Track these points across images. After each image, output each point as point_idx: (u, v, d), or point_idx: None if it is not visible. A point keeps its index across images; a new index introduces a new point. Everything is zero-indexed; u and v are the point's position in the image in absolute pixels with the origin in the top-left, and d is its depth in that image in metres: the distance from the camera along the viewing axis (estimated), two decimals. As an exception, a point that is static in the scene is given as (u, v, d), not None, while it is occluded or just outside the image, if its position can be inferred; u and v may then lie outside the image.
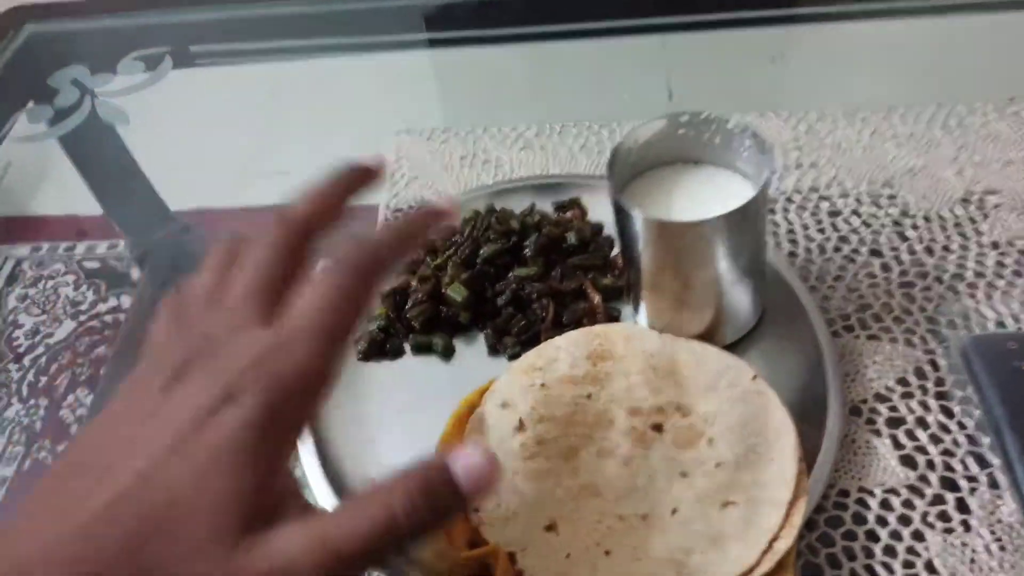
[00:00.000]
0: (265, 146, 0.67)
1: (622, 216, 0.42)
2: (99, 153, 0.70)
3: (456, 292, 0.49)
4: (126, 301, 0.57)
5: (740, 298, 0.45)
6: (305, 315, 0.28)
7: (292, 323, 0.27)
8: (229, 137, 0.68)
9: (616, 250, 0.52)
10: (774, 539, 0.37)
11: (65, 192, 0.68)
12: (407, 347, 0.50)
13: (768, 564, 0.36)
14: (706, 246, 0.41)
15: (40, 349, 0.53)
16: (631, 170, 0.44)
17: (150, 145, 0.69)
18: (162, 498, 0.24)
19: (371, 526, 0.25)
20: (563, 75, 0.70)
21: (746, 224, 0.41)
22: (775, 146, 0.58)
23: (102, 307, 0.56)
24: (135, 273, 0.59)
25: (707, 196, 0.44)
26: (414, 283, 0.51)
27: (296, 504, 0.27)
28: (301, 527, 0.25)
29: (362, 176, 0.33)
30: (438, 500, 0.26)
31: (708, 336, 0.45)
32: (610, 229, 0.53)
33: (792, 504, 0.38)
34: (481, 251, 0.50)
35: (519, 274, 0.50)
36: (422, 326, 0.49)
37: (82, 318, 0.55)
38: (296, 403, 0.26)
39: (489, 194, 0.55)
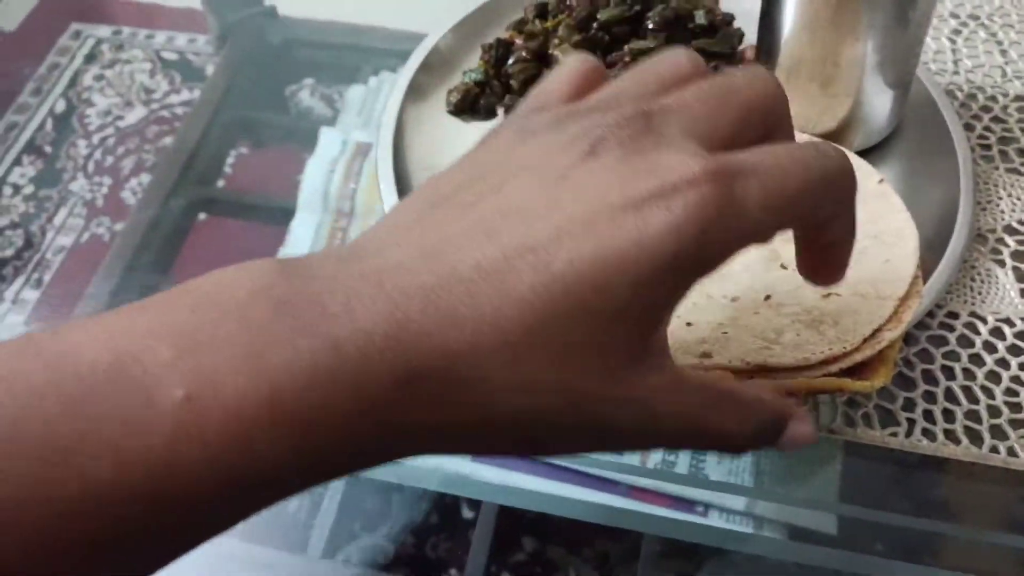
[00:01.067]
0: None
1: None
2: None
3: (565, 54, 0.45)
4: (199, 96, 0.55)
5: (880, 97, 0.40)
6: (780, 167, 0.23)
7: (757, 161, 0.23)
8: None
9: (744, 44, 0.47)
10: (878, 330, 0.34)
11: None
12: (500, 110, 0.47)
13: (868, 351, 0.33)
14: (863, 15, 0.36)
15: (110, 130, 0.53)
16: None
17: None
18: (559, 278, 0.21)
19: (736, 432, 0.24)
20: None
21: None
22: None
23: (174, 98, 0.55)
24: (211, 70, 0.57)
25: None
26: (519, 40, 0.47)
27: None
28: (676, 396, 0.23)
29: None
30: (763, 436, 0.26)
31: (838, 136, 0.41)
32: (740, 22, 0.48)
33: (903, 302, 0.35)
34: (599, 15, 0.46)
35: (636, 47, 0.46)
36: (521, 86, 0.46)
37: (154, 106, 0.54)
38: (723, 244, 0.22)
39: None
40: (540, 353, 0.21)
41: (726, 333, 0.35)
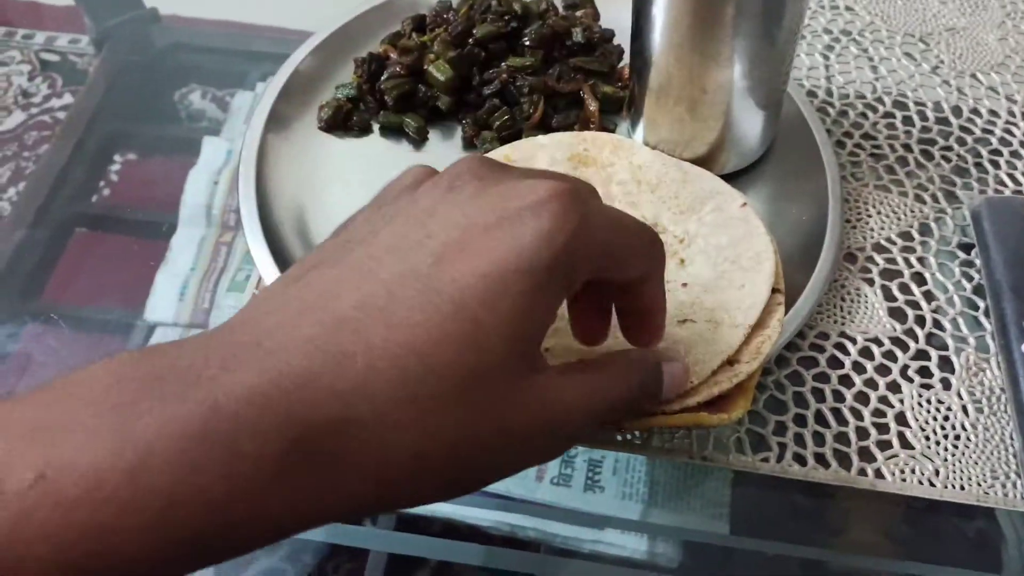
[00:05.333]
0: None
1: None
2: None
3: (440, 71, 0.44)
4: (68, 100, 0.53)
5: (750, 120, 0.40)
6: (616, 211, 0.26)
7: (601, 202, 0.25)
8: None
9: (624, 62, 0.47)
10: (733, 361, 0.34)
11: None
12: (375, 125, 0.45)
13: (726, 384, 0.33)
14: (735, 23, 0.36)
15: (-15, 137, 0.49)
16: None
17: None
18: (447, 299, 0.21)
19: (616, 394, 0.25)
20: None
21: (785, 9, 0.36)
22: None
23: (55, 102, 0.52)
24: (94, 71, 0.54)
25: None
26: (394, 54, 0.45)
27: None
28: (570, 379, 0.24)
29: None
30: (648, 395, 0.28)
31: (708, 160, 0.41)
32: (620, 38, 0.48)
33: (757, 331, 0.35)
34: (475, 31, 0.45)
35: (512, 64, 0.44)
36: (395, 102, 0.44)
37: (33, 111, 0.51)
38: (582, 259, 0.23)
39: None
40: (436, 376, 0.20)
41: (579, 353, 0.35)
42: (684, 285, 0.37)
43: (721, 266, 0.38)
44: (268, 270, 0.37)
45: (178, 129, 0.50)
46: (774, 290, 0.36)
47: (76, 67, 0.53)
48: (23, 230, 0.45)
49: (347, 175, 0.43)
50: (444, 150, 0.44)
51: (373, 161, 0.44)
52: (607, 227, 0.24)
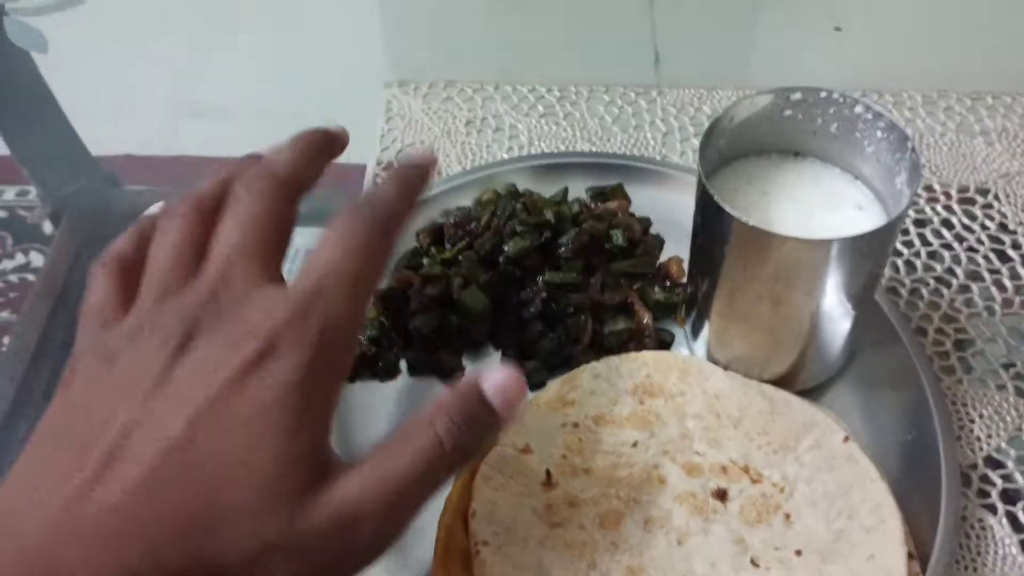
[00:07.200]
0: (208, 84, 0.57)
1: (711, 217, 0.32)
2: (9, 83, 0.57)
3: (474, 300, 0.39)
4: (36, 259, 0.48)
5: (835, 335, 0.36)
6: (333, 266, 0.26)
7: (318, 275, 0.25)
8: (165, 72, 0.58)
9: (664, 256, 0.42)
10: None
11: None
12: (403, 364, 0.39)
13: None
14: (818, 270, 0.32)
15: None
16: (718, 157, 0.34)
17: (71, 76, 0.57)
18: (209, 465, 0.23)
19: (423, 455, 0.25)
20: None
21: (873, 250, 0.32)
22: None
23: (7, 264, 0.48)
24: (48, 227, 0.50)
25: (811, 201, 0.34)
26: (415, 280, 0.40)
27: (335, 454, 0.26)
28: (357, 472, 0.24)
29: (332, 143, 0.31)
30: (476, 421, 0.26)
31: (785, 379, 0.36)
32: (659, 227, 0.43)
33: None
34: (506, 247, 0.40)
35: (552, 280, 0.39)
36: (425, 339, 0.39)
37: None
38: (340, 352, 0.25)
39: (507, 172, 0.45)
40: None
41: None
42: (798, 553, 0.31)
43: (836, 522, 0.33)
44: None
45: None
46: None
47: (26, 222, 0.49)
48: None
49: (376, 423, 0.38)
50: (484, 383, 0.39)
51: (406, 407, 0.38)
52: (346, 294, 0.25)
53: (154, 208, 0.30)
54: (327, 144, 0.31)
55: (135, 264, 0.27)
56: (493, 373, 0.27)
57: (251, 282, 0.26)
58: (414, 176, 0.30)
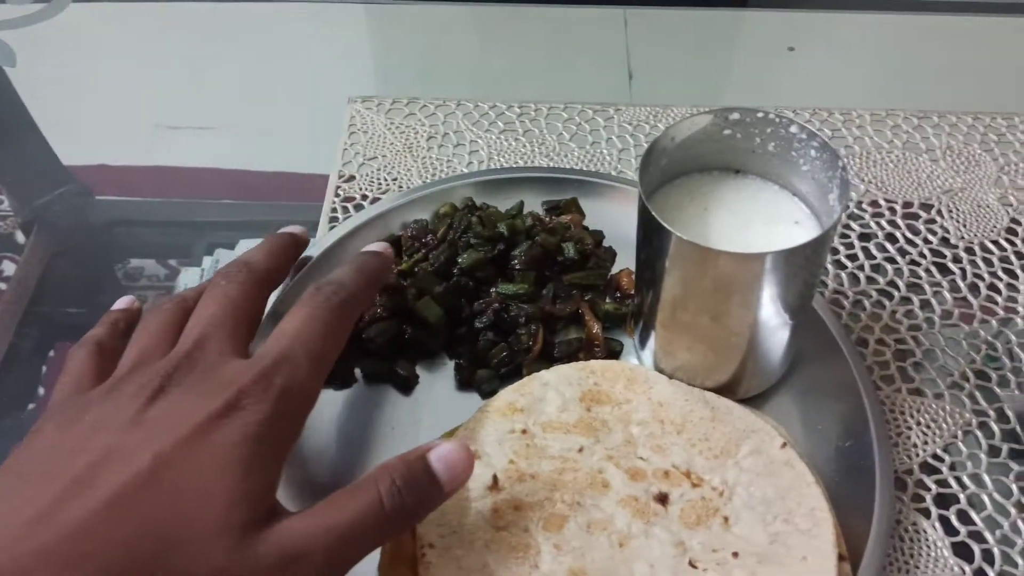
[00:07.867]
0: (180, 96, 0.57)
1: (651, 232, 0.33)
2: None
3: (429, 310, 0.40)
4: (8, 268, 0.49)
5: (774, 345, 0.37)
6: (299, 339, 0.30)
7: (283, 344, 0.29)
8: (138, 84, 0.59)
9: (616, 268, 0.43)
10: None
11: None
12: (358, 373, 0.40)
13: None
14: (753, 284, 0.33)
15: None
16: (661, 174, 0.36)
17: (43, 89, 0.58)
18: (170, 495, 0.25)
19: (364, 510, 0.27)
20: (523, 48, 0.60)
21: (806, 262, 0.33)
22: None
23: None
24: (20, 236, 0.50)
25: (750, 216, 0.36)
26: (373, 294, 0.41)
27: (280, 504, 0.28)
28: (304, 516, 0.27)
29: (297, 244, 0.37)
30: (419, 489, 0.28)
31: (727, 388, 0.38)
32: (611, 240, 0.44)
33: None
34: (460, 259, 0.41)
35: (504, 291, 0.41)
36: (380, 349, 0.40)
37: None
38: (296, 414, 0.29)
39: (464, 186, 0.46)
40: None
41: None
42: (735, 555, 0.32)
43: (773, 525, 0.34)
44: None
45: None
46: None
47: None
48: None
49: (331, 430, 0.38)
50: (439, 392, 0.40)
51: (361, 413, 0.39)
52: (305, 356, 0.29)
53: (121, 303, 0.35)
54: (293, 246, 0.37)
55: (113, 351, 0.31)
56: (443, 445, 0.29)
57: (224, 351, 0.29)
58: (376, 265, 0.35)
